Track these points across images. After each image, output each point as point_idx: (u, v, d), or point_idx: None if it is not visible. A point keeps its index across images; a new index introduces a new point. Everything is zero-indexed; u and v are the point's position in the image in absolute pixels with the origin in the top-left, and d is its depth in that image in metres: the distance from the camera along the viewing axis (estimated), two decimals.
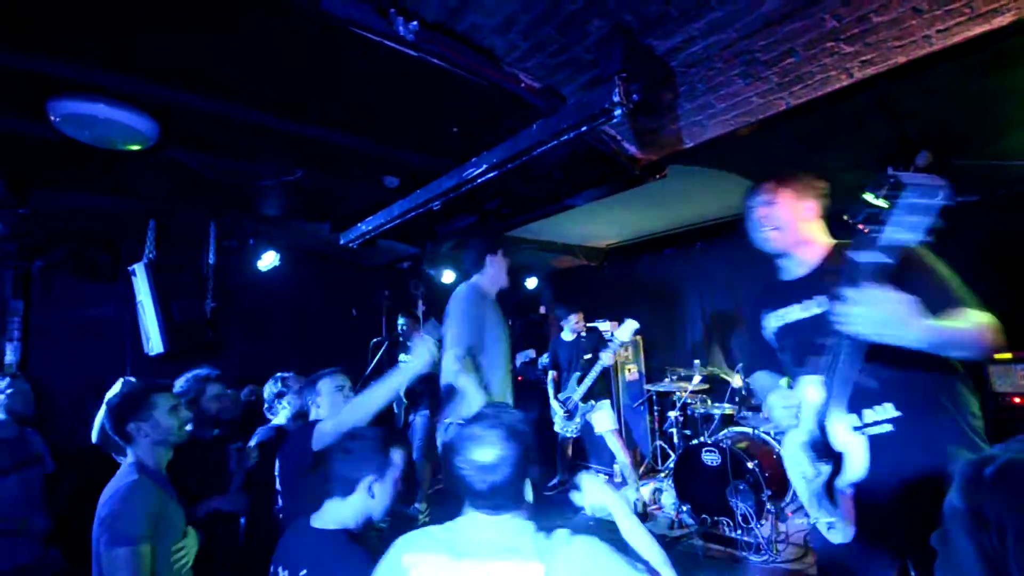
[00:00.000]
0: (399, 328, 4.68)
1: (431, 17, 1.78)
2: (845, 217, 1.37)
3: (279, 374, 2.77)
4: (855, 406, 1.43)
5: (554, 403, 4.53)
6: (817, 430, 1.49)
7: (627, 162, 2.87)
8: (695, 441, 3.75)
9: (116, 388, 2.53)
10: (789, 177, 1.63)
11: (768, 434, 3.67)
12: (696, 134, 2.62)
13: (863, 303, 1.19)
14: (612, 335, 5.26)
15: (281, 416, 2.70)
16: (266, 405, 2.75)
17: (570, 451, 4.96)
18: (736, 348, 4.88)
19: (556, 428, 4.56)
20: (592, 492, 1.40)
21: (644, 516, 4.03)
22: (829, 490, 1.49)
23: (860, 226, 1.24)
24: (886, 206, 1.21)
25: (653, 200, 3.85)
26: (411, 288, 5.45)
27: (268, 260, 4.20)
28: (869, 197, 1.25)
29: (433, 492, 4.65)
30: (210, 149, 2.65)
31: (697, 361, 4.39)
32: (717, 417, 4.08)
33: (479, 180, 2.60)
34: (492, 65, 2.03)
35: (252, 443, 2.57)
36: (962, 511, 0.69)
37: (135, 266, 3.35)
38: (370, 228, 3.55)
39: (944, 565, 0.74)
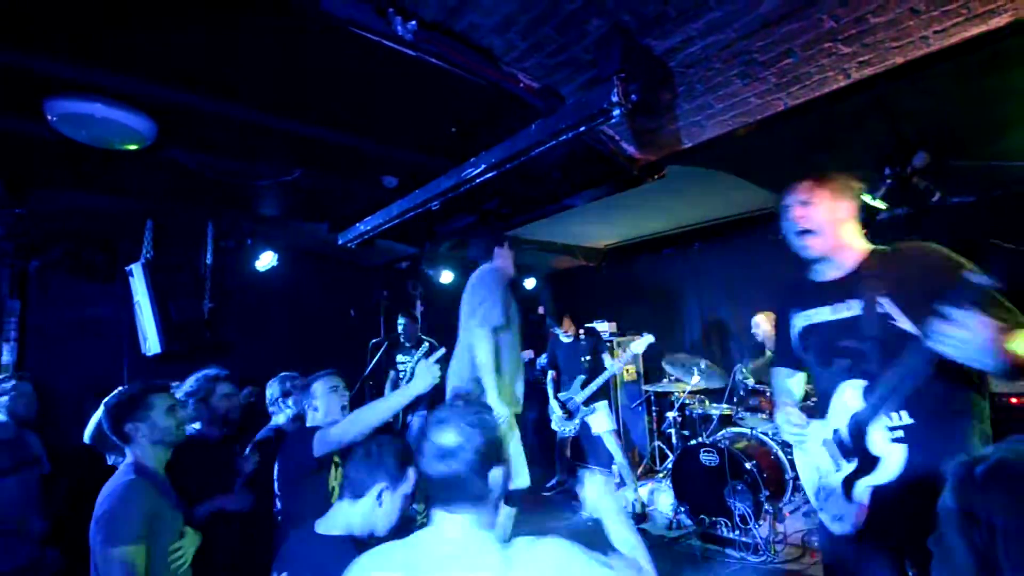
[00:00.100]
0: (399, 328, 4.68)
1: (429, 17, 1.78)
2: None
3: (284, 374, 2.77)
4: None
5: (553, 402, 4.53)
6: (847, 431, 1.52)
7: (626, 162, 2.87)
8: (693, 441, 3.75)
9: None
10: (826, 176, 1.59)
11: (766, 434, 3.67)
12: (694, 134, 2.62)
13: (967, 328, 1.18)
14: (611, 335, 5.28)
15: (282, 416, 2.70)
16: (269, 404, 2.75)
17: (568, 451, 4.96)
18: (734, 348, 4.89)
19: (554, 426, 4.57)
20: (591, 492, 1.40)
21: (642, 516, 4.03)
22: (847, 487, 1.53)
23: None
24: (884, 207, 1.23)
25: (652, 200, 3.85)
26: (409, 288, 5.45)
27: (266, 260, 4.20)
28: (867, 199, 1.26)
29: None
30: (208, 149, 2.65)
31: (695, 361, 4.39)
32: (715, 417, 4.08)
33: (478, 180, 2.60)
34: (491, 65, 2.03)
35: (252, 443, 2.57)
36: (954, 510, 0.70)
37: (132, 266, 3.35)
38: (368, 228, 3.55)
39: (939, 564, 0.74)
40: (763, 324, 3.96)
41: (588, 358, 4.40)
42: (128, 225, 3.46)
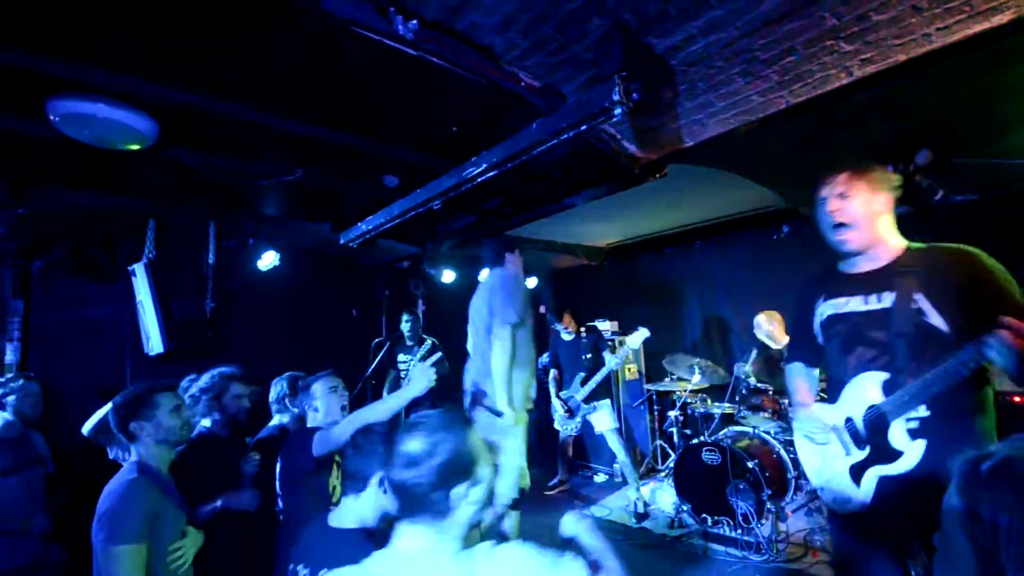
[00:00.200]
0: (405, 325, 4.69)
1: (431, 16, 1.78)
2: None
3: (289, 373, 2.77)
4: None
5: (555, 401, 4.53)
6: (862, 421, 1.54)
7: (627, 161, 2.87)
8: (695, 440, 3.74)
9: None
10: (863, 168, 1.57)
11: (768, 433, 3.66)
12: (696, 133, 2.62)
13: None
14: (612, 334, 5.27)
15: (286, 416, 2.70)
16: (273, 403, 2.75)
17: (570, 451, 4.96)
18: (736, 347, 4.89)
19: (556, 426, 4.57)
20: (568, 525, 1.37)
21: (644, 516, 4.03)
22: (855, 473, 1.55)
23: None
24: None
25: (653, 199, 3.84)
26: (411, 288, 5.45)
27: (268, 260, 4.20)
28: None
29: None
30: (210, 148, 2.65)
31: (697, 360, 4.39)
32: (717, 416, 4.08)
33: (479, 179, 2.60)
34: (492, 64, 2.02)
35: (254, 441, 2.57)
36: (958, 506, 0.70)
37: (135, 266, 3.35)
38: (370, 228, 3.55)
39: (942, 559, 0.74)
40: (764, 324, 3.95)
41: (589, 356, 4.39)
42: (130, 225, 3.47)
